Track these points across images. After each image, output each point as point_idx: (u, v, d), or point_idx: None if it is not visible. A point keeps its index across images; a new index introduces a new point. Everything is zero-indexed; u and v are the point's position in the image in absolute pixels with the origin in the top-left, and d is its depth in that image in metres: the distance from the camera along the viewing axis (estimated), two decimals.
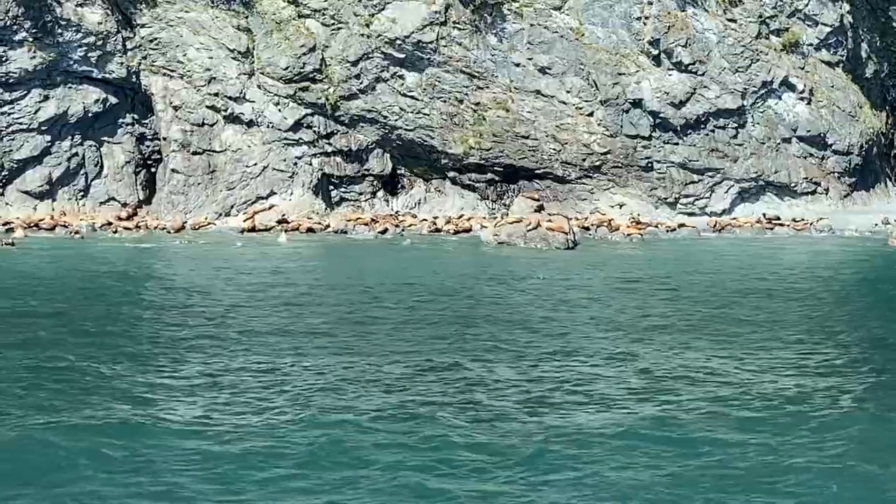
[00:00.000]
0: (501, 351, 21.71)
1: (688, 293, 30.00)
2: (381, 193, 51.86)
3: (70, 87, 49.53)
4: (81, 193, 50.12)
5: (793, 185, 52.26)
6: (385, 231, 48.41)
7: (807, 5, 53.06)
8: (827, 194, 52.59)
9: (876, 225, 49.96)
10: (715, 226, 50.19)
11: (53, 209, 49.13)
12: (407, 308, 27.00)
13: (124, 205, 50.34)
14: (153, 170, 51.31)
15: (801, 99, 52.42)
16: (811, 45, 53.33)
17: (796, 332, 23.95)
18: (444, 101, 50.88)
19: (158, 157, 50.85)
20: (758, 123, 52.01)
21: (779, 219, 50.85)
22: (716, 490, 13.60)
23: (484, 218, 50.38)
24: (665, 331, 23.97)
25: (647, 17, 51.56)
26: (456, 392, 18.22)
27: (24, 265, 35.34)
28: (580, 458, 14.81)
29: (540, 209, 47.53)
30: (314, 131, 50.49)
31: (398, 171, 52.25)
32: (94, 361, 20.22)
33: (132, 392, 18.07)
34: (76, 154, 49.94)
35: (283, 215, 49.15)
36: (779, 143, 52.20)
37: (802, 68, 52.96)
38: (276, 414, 16.79)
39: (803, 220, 50.66)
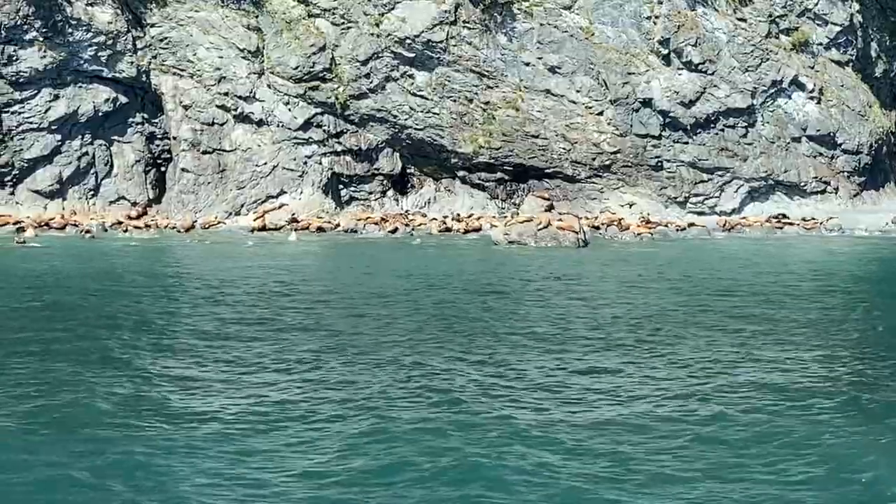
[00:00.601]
0: (537, 347, 21.64)
1: (712, 293, 29.91)
2: (390, 192, 51.87)
3: (80, 87, 49.56)
4: (91, 192, 50.16)
5: (802, 184, 52.27)
6: (395, 230, 48.40)
7: (816, 5, 53.09)
8: (836, 193, 52.62)
9: (886, 224, 49.97)
10: (725, 225, 50.21)
11: (63, 208, 49.16)
12: (433, 305, 26.98)
13: (134, 204, 50.39)
14: (163, 169, 51.33)
15: (811, 98, 52.44)
16: (821, 44, 53.36)
17: (835, 332, 23.81)
18: (454, 101, 50.88)
19: (168, 156, 50.85)
20: (767, 123, 52.03)
21: (787, 218, 50.88)
22: (783, 494, 13.57)
23: (493, 217, 50.39)
24: (699, 328, 23.89)
25: (656, 17, 51.57)
26: (498, 387, 18.19)
27: (44, 264, 35.26)
28: (632, 454, 14.79)
29: (550, 208, 47.53)
30: (324, 130, 50.50)
31: (408, 171, 52.26)
32: (137, 356, 20.26)
33: (186, 385, 18.09)
34: (86, 153, 49.97)
35: (293, 214, 49.16)
36: (788, 143, 52.22)
37: (812, 67, 52.98)
38: (331, 412, 16.78)
39: (813, 219, 50.67)
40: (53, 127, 49.24)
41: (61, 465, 14.07)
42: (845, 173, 52.82)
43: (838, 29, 53.55)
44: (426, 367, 19.63)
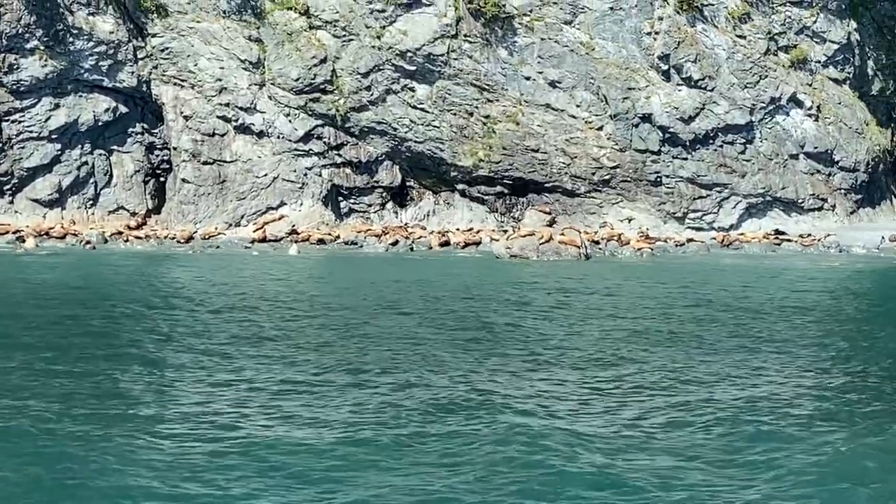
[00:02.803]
0: (568, 361, 21.66)
1: (724, 307, 30.04)
2: (390, 205, 51.89)
3: (81, 96, 49.46)
4: (90, 202, 50.03)
5: (800, 200, 52.52)
6: (396, 243, 48.40)
7: (815, 22, 53.40)
8: (833, 210, 52.88)
9: (882, 242, 50.16)
10: (723, 241, 50.40)
11: (63, 217, 49.00)
12: (452, 319, 26.96)
13: (133, 214, 50.30)
14: (162, 179, 51.23)
15: (809, 115, 52.72)
16: (819, 61, 53.64)
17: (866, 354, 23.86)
18: (455, 114, 50.95)
19: (168, 166, 50.76)
20: (766, 139, 52.28)
21: (785, 234, 51.07)
22: None
23: (493, 231, 50.42)
24: (729, 343, 23.95)
25: (657, 33, 51.77)
26: (526, 402, 18.21)
27: (54, 276, 35.12)
28: (668, 473, 14.82)
29: (552, 223, 47.63)
30: (324, 142, 50.49)
31: (407, 183, 52.28)
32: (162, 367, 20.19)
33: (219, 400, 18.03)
34: (86, 163, 49.86)
35: (293, 226, 49.11)
36: (786, 159, 52.47)
37: (810, 85, 53.27)
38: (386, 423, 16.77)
39: (811, 236, 50.87)
40: (53, 136, 49.10)
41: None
42: (842, 190, 53.10)
43: (836, 47, 53.86)
44: (469, 377, 19.64)
